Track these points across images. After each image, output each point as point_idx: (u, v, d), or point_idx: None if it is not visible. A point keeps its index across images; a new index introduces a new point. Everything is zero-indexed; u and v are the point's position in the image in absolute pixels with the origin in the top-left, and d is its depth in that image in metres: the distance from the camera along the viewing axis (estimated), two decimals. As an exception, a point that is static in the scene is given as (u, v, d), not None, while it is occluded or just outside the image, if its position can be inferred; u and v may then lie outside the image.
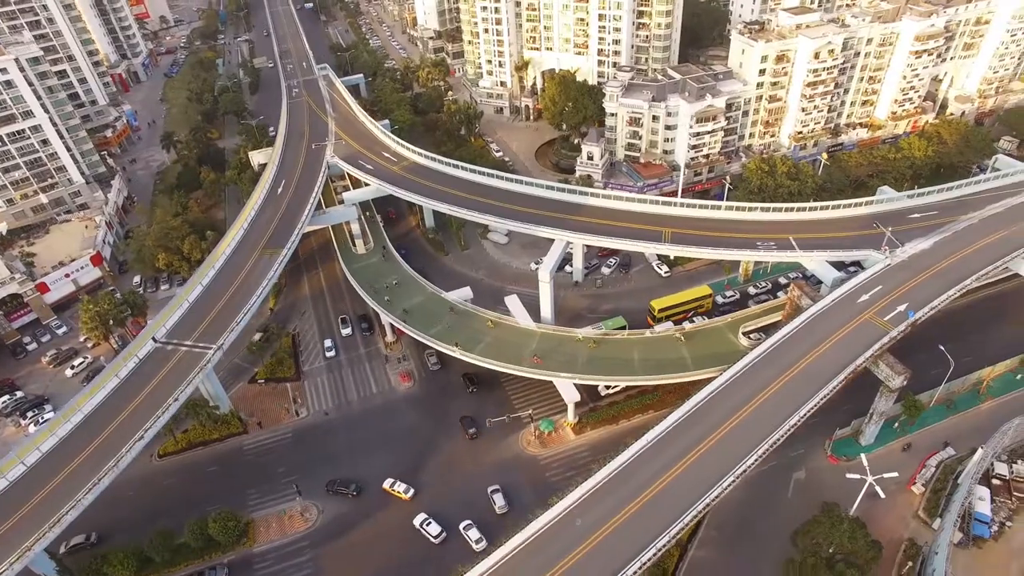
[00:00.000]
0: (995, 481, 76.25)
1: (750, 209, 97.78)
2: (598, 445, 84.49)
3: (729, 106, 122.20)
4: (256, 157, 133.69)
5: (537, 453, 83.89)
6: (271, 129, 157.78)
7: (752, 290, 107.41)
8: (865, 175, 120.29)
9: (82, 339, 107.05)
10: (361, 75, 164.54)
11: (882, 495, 63.19)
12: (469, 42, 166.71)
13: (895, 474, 65.75)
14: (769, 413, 67.83)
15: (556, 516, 60.25)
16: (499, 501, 77.32)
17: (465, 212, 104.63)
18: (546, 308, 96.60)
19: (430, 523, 74.95)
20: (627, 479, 63.30)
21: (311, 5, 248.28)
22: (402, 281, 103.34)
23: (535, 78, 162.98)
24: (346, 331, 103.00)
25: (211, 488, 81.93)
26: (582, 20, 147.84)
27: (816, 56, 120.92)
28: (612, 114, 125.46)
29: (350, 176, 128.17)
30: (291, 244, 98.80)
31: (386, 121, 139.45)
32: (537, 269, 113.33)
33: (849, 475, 65.21)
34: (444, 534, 74.14)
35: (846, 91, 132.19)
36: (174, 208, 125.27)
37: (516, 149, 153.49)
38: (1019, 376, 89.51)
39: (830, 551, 64.36)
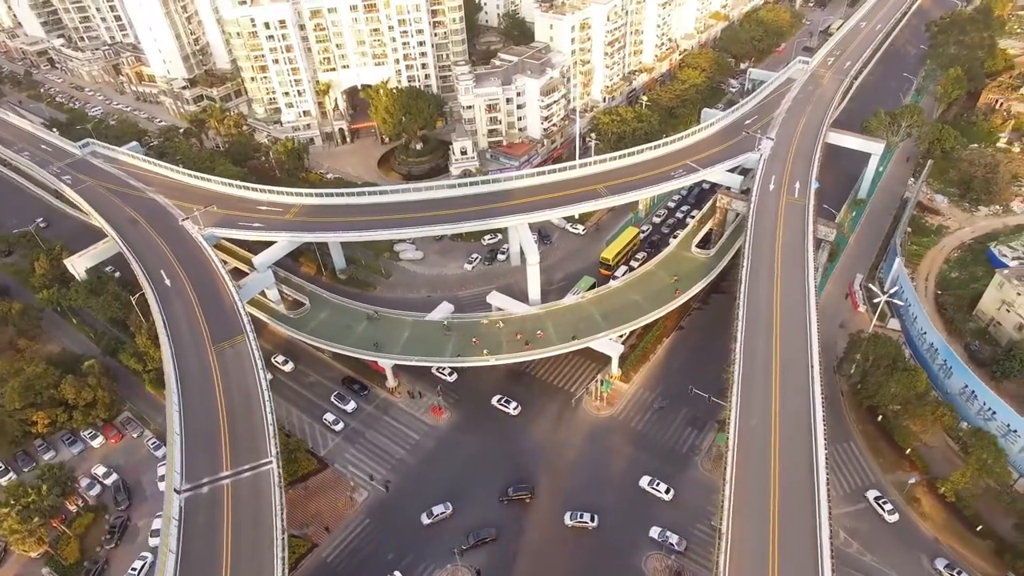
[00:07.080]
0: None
1: (648, 149, 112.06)
2: (649, 382, 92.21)
3: (561, 75, 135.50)
4: (80, 263, 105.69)
5: (611, 413, 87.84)
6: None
7: (656, 220, 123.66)
8: (673, 105, 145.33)
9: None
10: (136, 142, 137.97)
11: (903, 303, 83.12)
12: (252, 79, 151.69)
13: (896, 287, 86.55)
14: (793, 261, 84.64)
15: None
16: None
17: (409, 231, 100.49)
18: (534, 290, 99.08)
19: (582, 515, 74.98)
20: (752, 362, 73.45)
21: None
22: (371, 321, 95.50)
23: (336, 99, 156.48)
24: (349, 405, 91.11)
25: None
26: (376, 31, 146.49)
27: (608, 19, 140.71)
28: (469, 107, 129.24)
29: (223, 248, 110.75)
30: (247, 325, 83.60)
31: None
32: (472, 268, 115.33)
33: (875, 300, 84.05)
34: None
35: (624, 45, 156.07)
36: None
37: (356, 172, 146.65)
38: (854, 213, 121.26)
39: (868, 365, 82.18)
